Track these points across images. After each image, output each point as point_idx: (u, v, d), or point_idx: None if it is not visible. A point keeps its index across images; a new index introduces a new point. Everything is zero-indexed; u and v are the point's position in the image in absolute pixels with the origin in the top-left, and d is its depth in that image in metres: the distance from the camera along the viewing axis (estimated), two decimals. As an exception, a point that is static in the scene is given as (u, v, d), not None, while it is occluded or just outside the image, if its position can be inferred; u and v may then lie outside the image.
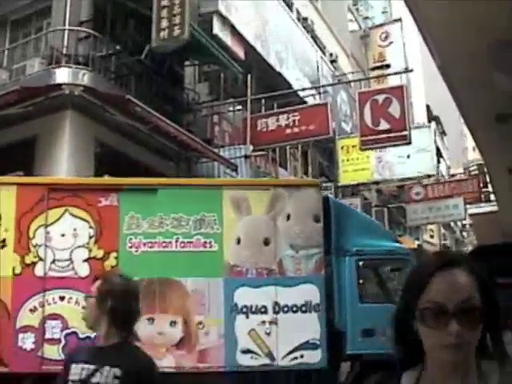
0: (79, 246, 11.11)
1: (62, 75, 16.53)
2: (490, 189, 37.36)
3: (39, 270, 10.84)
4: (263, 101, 24.93)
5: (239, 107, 24.23)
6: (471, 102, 13.39)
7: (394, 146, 24.61)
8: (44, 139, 17.18)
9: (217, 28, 21.89)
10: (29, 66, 17.95)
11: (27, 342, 10.48)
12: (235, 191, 12.14)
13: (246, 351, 11.34)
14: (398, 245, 14.07)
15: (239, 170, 21.32)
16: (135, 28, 19.32)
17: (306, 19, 34.30)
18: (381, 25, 47.50)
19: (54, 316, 10.69)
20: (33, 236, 10.94)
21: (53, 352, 10.54)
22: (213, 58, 20.87)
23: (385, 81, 34.93)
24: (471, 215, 40.70)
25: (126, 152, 18.53)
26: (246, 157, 21.95)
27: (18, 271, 10.74)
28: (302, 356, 11.45)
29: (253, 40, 25.09)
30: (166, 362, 10.90)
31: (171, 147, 19.72)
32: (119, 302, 4.07)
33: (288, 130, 23.30)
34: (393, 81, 32.26)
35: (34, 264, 10.84)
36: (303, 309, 11.56)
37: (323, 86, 30.61)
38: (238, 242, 11.76)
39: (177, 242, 11.54)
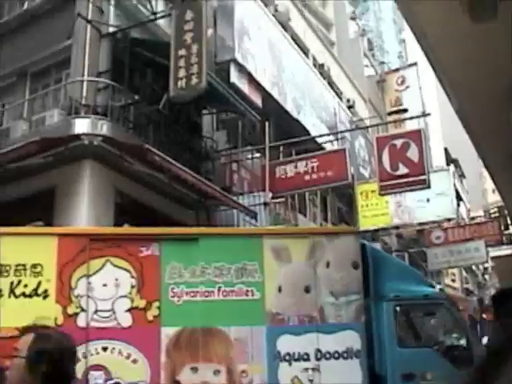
0: (121, 296, 11.13)
1: (81, 125, 16.65)
2: (511, 231, 37.17)
3: (81, 321, 10.83)
4: (281, 148, 25.01)
5: (257, 154, 24.28)
6: (489, 143, 13.34)
7: (413, 190, 24.48)
8: (63, 189, 17.24)
9: (234, 76, 22.06)
10: (48, 117, 18.11)
11: None
12: (275, 240, 12.22)
13: None
14: (433, 289, 14.25)
15: (258, 217, 21.29)
16: (153, 78, 19.51)
17: (322, 65, 34.56)
18: (397, 69, 47.85)
19: (97, 367, 10.64)
20: (75, 286, 10.94)
21: None
22: (230, 106, 20.99)
23: (402, 125, 34.97)
24: (493, 258, 40.43)
25: (145, 201, 18.56)
26: (265, 204, 21.91)
27: (59, 322, 10.65)
28: None
29: (270, 87, 25.24)
30: None
31: (190, 195, 19.73)
32: (56, 366, 3.44)
33: (307, 177, 23.28)
34: (410, 125, 32.30)
35: (76, 314, 10.83)
36: (345, 355, 11.63)
37: (341, 131, 30.72)
38: (280, 290, 11.80)
39: (219, 290, 11.56)
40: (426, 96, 47.35)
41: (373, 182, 29.28)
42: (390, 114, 38.16)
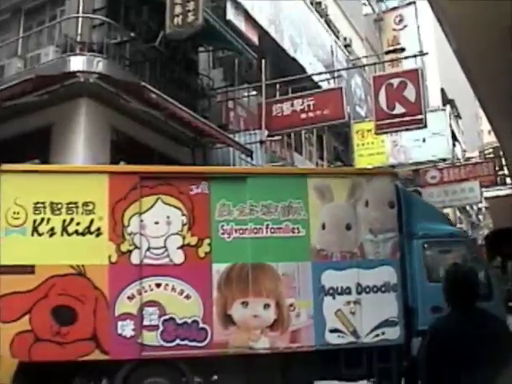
0: (173, 234, 11.35)
1: (77, 63, 16.54)
2: (505, 172, 37.27)
3: (135, 258, 11.04)
4: (278, 86, 24.89)
5: (254, 93, 24.21)
6: (487, 84, 13.32)
7: (410, 129, 24.44)
8: (60, 127, 17.23)
9: (230, 13, 21.88)
10: (43, 55, 17.98)
11: (126, 329, 10.74)
12: (319, 179, 12.66)
13: (334, 330, 11.91)
14: (456, 228, 15.36)
15: (254, 155, 21.32)
16: (149, 15, 19.31)
17: (319, 3, 34.18)
18: (395, 8, 47.36)
19: (151, 303, 10.93)
20: (127, 224, 11.10)
21: (151, 338, 10.87)
22: (227, 44, 20.85)
23: (399, 64, 34.75)
24: (487, 198, 40.62)
25: (141, 139, 18.58)
26: (261, 142, 21.93)
27: (114, 259, 10.91)
28: (383, 333, 12.10)
29: (266, 25, 25.05)
30: (261, 344, 11.49)
31: (186, 133, 19.73)
32: None
33: (303, 115, 23.26)
34: (407, 64, 32.08)
35: (129, 252, 11.03)
36: (383, 289, 12.25)
37: (337, 70, 30.56)
38: (323, 227, 12.27)
39: (267, 228, 11.94)
40: (423, 36, 46.90)
41: (369, 121, 29.31)
42: (387, 53, 37.77)
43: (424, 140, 31.84)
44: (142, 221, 11.18)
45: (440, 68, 63.02)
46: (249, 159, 21.41)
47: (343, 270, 12.15)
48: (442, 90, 62.15)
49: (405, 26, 44.85)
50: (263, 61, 22.83)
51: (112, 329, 10.65)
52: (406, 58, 32.46)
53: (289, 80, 24.77)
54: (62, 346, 10.29)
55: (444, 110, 38.48)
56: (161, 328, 10.91)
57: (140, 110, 17.71)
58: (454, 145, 45.63)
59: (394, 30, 44.91)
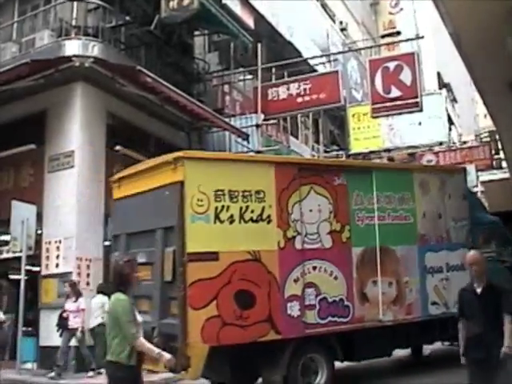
0: (323, 221, 12.45)
1: (72, 47, 16.49)
2: (501, 156, 37.25)
3: (298, 243, 11.94)
4: (273, 70, 24.87)
5: (249, 76, 24.17)
6: (483, 68, 13.31)
7: (405, 113, 24.43)
8: (55, 112, 17.22)
9: (226, -3, 21.80)
10: (38, 39, 17.89)
11: (294, 309, 11.66)
12: (421, 175, 14.92)
13: (433, 303, 14.15)
14: (495, 217, 18.35)
15: (250, 138, 21.34)
16: (144, -2, 19.29)
17: (315, -13, 34.05)
18: (391, -9, 47.13)
19: (310, 284, 11.93)
20: (291, 212, 11.96)
21: (311, 317, 11.88)
22: (222, 28, 20.76)
23: (395, 48, 34.71)
24: (483, 182, 40.56)
25: (137, 123, 18.59)
26: (257, 126, 21.94)
27: (282, 245, 11.71)
28: None
29: (262, 9, 24.97)
30: (387, 317, 13.14)
31: (182, 117, 19.74)
32: None
33: (299, 99, 23.26)
34: (403, 48, 32.04)
35: (293, 238, 11.89)
36: (461, 268, 14.11)
37: (333, 53, 30.44)
38: (424, 215, 14.45)
39: (388, 216, 13.72)
40: (419, 19, 46.79)
41: (365, 104, 29.28)
42: (383, 36, 37.78)
43: (420, 123, 31.79)
44: (301, 208, 12.10)
45: (436, 52, 62.87)
46: (245, 143, 21.42)
47: (438, 252, 14.51)
48: (438, 74, 62.02)
49: (401, 9, 44.78)
50: (259, 44, 22.80)
51: (283, 310, 11.51)
52: (402, 41, 32.45)
53: (285, 64, 24.73)
54: (244, 329, 10.96)
55: (440, 93, 38.41)
56: (317, 307, 11.96)
57: (136, 94, 17.70)
58: (450, 128, 45.54)
59: (391, 13, 44.81)
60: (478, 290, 7.84)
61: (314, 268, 12.04)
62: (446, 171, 16.40)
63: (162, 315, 10.72)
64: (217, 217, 10.94)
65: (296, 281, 11.72)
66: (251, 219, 11.36)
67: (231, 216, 11.11)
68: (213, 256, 10.79)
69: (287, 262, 11.67)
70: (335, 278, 12.26)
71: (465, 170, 16.95)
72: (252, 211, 11.38)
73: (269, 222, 11.55)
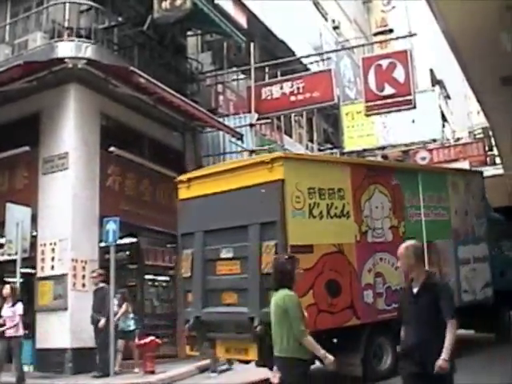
0: (385, 217, 13.77)
1: (65, 49, 16.45)
2: (495, 152, 37.32)
3: (369, 237, 13.24)
4: (267, 69, 24.88)
5: (243, 76, 24.16)
6: (476, 64, 13.35)
7: (399, 110, 24.45)
8: (48, 114, 17.19)
9: (218, -4, 21.78)
10: (31, 41, 17.82)
11: (369, 297, 12.90)
12: (454, 176, 16.66)
13: (464, 291, 15.65)
14: (498, 214, 19.83)
15: (244, 138, 21.34)
16: (137, -1, 19.26)
17: (307, -15, 34.02)
18: (383, -12, 47.11)
19: (378, 274, 13.18)
20: (363, 208, 13.19)
21: (381, 303, 13.11)
22: (215, 27, 20.73)
23: (388, 46, 34.69)
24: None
25: (131, 124, 18.59)
26: (250, 125, 21.96)
27: (358, 238, 12.95)
28: (485, 293, 16.48)
29: (255, 8, 24.96)
30: None
31: (176, 118, 19.71)
32: None
33: (292, 98, 23.33)
34: (396, 46, 32.03)
35: (366, 232, 13.17)
36: (483, 260, 16.72)
37: (326, 52, 30.38)
38: (456, 212, 15.99)
39: (432, 212, 15.10)
40: (412, 16, 46.82)
41: (358, 102, 29.30)
42: (376, 34, 37.74)
43: (413, 121, 31.78)
44: (370, 205, 13.36)
45: (429, 49, 62.89)
46: (239, 142, 21.41)
47: (466, 246, 16.11)
48: (431, 71, 62.04)
49: (393, 7, 44.77)
50: (252, 44, 22.80)
51: (361, 297, 12.72)
52: (395, 39, 32.42)
53: (278, 63, 24.75)
54: (333, 315, 12.03)
55: (433, 90, 38.45)
56: (384, 295, 13.18)
57: (129, 95, 17.67)
58: (443, 125, 45.58)
59: (383, 11, 44.76)
60: (415, 290, 6.58)
61: (381, 259, 13.28)
62: (469, 174, 19.10)
63: (262, 305, 11.12)
64: (310, 212, 11.95)
65: (369, 271, 12.98)
66: (335, 215, 12.47)
67: (320, 212, 12.16)
68: (309, 249, 11.73)
69: (362, 253, 12.94)
70: (396, 268, 12.79)
71: (481, 173, 18.88)
72: (336, 207, 12.50)
73: (348, 218, 12.74)
